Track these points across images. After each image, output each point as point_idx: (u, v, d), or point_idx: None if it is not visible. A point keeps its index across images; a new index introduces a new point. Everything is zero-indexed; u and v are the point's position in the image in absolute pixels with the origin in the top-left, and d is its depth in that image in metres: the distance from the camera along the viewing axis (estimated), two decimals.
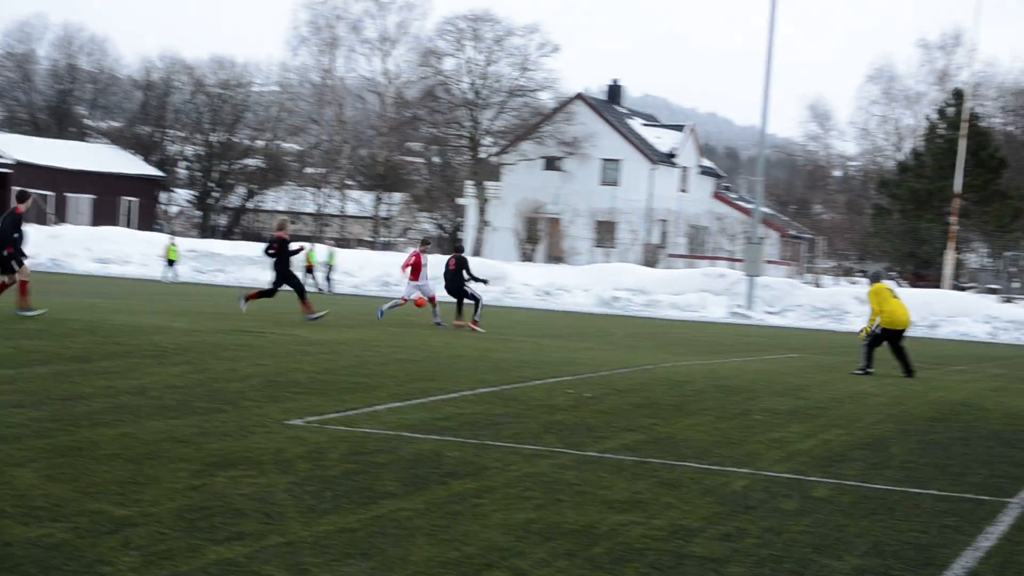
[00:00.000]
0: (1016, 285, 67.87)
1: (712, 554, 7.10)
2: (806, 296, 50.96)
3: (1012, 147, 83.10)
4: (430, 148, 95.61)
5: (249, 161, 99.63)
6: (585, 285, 52.19)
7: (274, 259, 26.12)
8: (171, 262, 53.04)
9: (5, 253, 20.42)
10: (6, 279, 20.95)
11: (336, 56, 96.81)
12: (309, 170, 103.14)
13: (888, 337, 21.01)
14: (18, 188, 22.35)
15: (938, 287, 60.66)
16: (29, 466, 8.35)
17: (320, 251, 53.48)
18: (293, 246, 26.83)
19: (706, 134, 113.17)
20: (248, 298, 26.64)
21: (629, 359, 21.72)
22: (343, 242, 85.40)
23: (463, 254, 28.14)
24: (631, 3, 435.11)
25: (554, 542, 7.16)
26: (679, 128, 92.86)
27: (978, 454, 12.04)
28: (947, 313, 47.24)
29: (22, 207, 21.38)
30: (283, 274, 26.16)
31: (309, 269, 49.69)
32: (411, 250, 33.16)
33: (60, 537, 6.54)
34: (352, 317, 30.46)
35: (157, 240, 64.57)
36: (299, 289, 26.53)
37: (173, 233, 72.94)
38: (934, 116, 79.98)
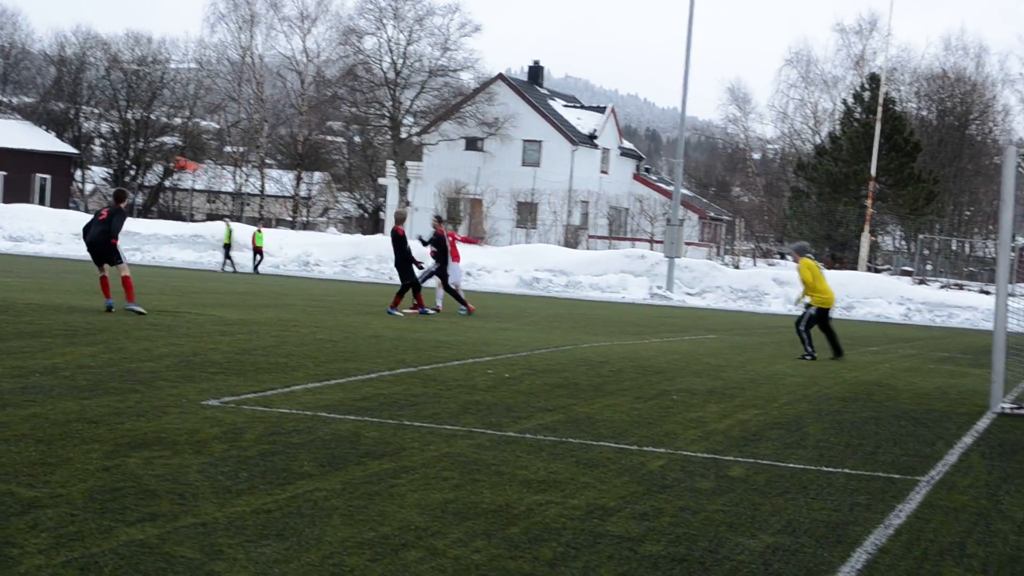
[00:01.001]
0: (929, 267, 68.88)
1: (628, 533, 7.14)
2: (725, 278, 51.37)
3: (926, 132, 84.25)
4: (351, 128, 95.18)
5: (167, 139, 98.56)
6: (506, 266, 52.21)
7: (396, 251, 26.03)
8: (228, 247, 50.26)
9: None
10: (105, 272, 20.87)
11: (255, 33, 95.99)
12: (228, 149, 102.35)
13: (819, 316, 21.04)
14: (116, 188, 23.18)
15: (854, 269, 61.46)
16: None
17: (237, 229, 53.14)
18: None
19: (627, 116, 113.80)
20: (397, 306, 26.07)
21: (549, 339, 21.77)
22: (263, 221, 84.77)
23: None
24: None
25: (471, 522, 7.17)
26: (600, 110, 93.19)
27: (889, 433, 12.20)
28: (862, 295, 47.82)
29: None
30: (403, 265, 26.10)
31: (227, 247, 49.38)
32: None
33: None
34: (270, 296, 30.30)
35: (71, 217, 63.72)
36: (414, 285, 26.30)
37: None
38: (851, 100, 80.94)
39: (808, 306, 21.02)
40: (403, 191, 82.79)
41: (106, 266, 20.68)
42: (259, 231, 51.51)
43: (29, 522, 6.46)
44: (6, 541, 6.09)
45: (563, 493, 8.15)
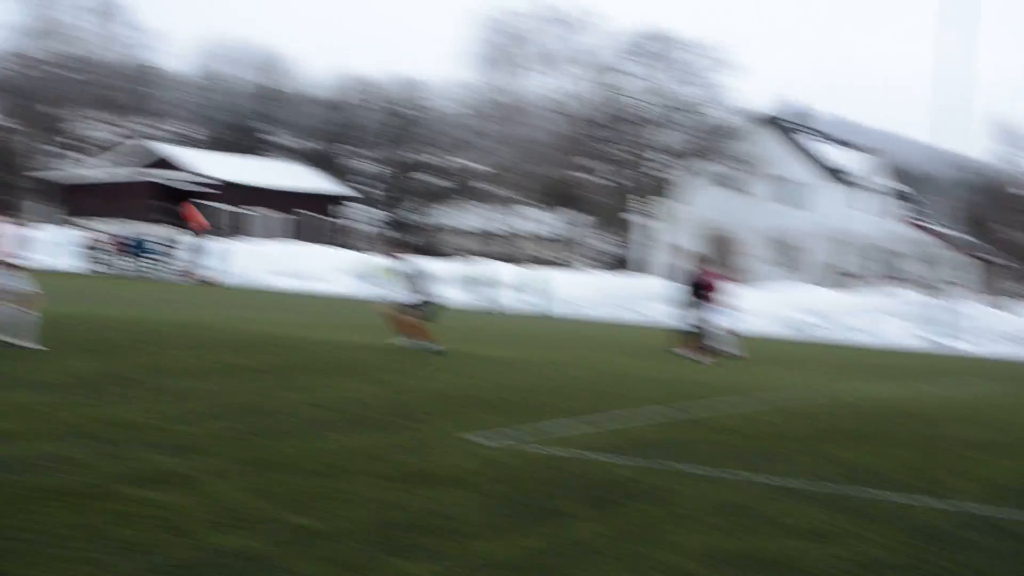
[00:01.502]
0: None
1: None
2: (1003, 324, 49.51)
3: None
4: (608, 168, 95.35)
5: (430, 178, 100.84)
6: (767, 307, 51.47)
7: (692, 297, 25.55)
8: (487, 286, 51.94)
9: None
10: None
11: (516, 75, 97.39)
12: (489, 188, 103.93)
13: None
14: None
15: None
16: (226, 478, 8.56)
17: (502, 268, 54.02)
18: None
19: (898, 157, 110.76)
20: (689, 350, 25.40)
21: (815, 384, 21.35)
22: (517, 259, 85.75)
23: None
24: (823, 27, 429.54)
25: (742, 571, 7.07)
26: (868, 151, 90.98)
27: None
28: None
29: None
30: (696, 311, 25.55)
31: (487, 286, 50.34)
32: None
33: (255, 548, 6.69)
34: (537, 334, 30.56)
35: (342, 256, 65.64)
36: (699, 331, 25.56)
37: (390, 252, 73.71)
38: None
39: None
40: (662, 231, 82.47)
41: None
42: (537, 271, 52.69)
43: (310, 553, 6.65)
44: (291, 570, 6.30)
45: (836, 543, 7.95)
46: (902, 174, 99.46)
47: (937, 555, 7.84)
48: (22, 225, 39.19)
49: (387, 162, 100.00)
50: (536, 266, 69.98)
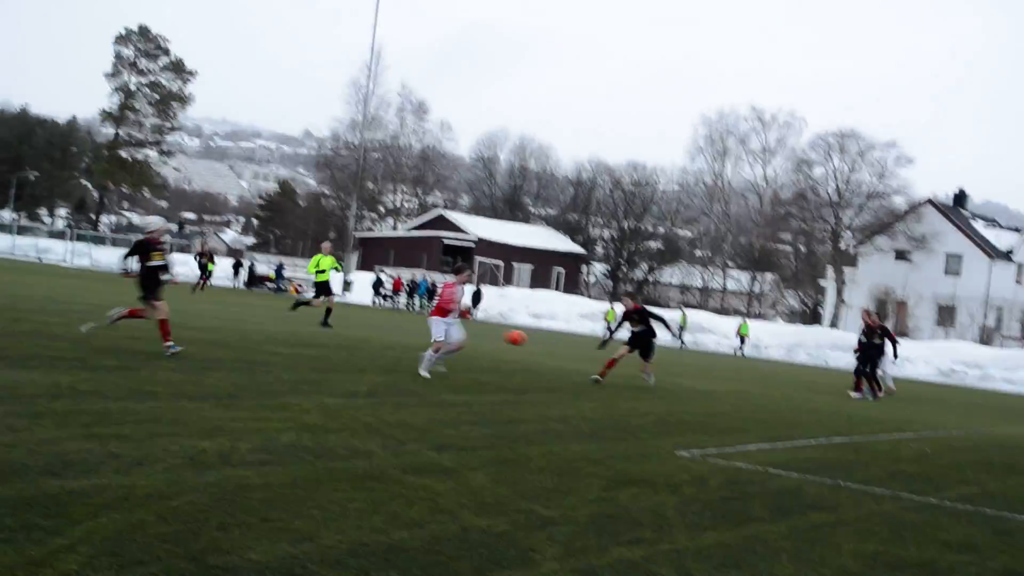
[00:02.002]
0: None
1: None
2: None
3: None
4: (798, 239, 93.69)
5: (652, 243, 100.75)
6: (926, 358, 49.54)
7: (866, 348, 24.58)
8: (742, 339, 51.05)
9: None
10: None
11: (726, 163, 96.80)
12: (698, 252, 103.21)
13: None
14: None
15: None
16: (480, 471, 8.66)
17: (691, 316, 53.55)
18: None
19: None
20: (860, 390, 24.47)
21: (965, 423, 20.42)
22: (723, 311, 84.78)
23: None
24: (980, 120, 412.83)
25: (899, 572, 6.78)
26: (1017, 230, 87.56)
27: None
28: None
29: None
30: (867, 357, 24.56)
31: (681, 329, 49.88)
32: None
33: (502, 528, 6.73)
34: (725, 371, 30.11)
35: (579, 302, 65.98)
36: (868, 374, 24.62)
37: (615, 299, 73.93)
38: None
39: None
40: (839, 292, 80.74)
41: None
42: (744, 322, 52.05)
43: (547, 535, 6.66)
44: (531, 547, 6.32)
45: (981, 556, 7.57)
46: None
47: None
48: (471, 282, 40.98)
49: (618, 229, 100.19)
50: (737, 317, 69.05)
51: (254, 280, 65.76)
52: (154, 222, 15.90)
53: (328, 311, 26.54)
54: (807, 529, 7.83)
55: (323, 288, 26.71)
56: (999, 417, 23.77)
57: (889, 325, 72.13)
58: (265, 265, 68.92)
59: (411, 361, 17.64)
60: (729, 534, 7.32)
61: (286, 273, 66.19)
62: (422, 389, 14.43)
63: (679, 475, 9.59)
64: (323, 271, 26.44)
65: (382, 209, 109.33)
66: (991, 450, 15.31)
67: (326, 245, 27.28)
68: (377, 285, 41.63)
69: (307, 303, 27.98)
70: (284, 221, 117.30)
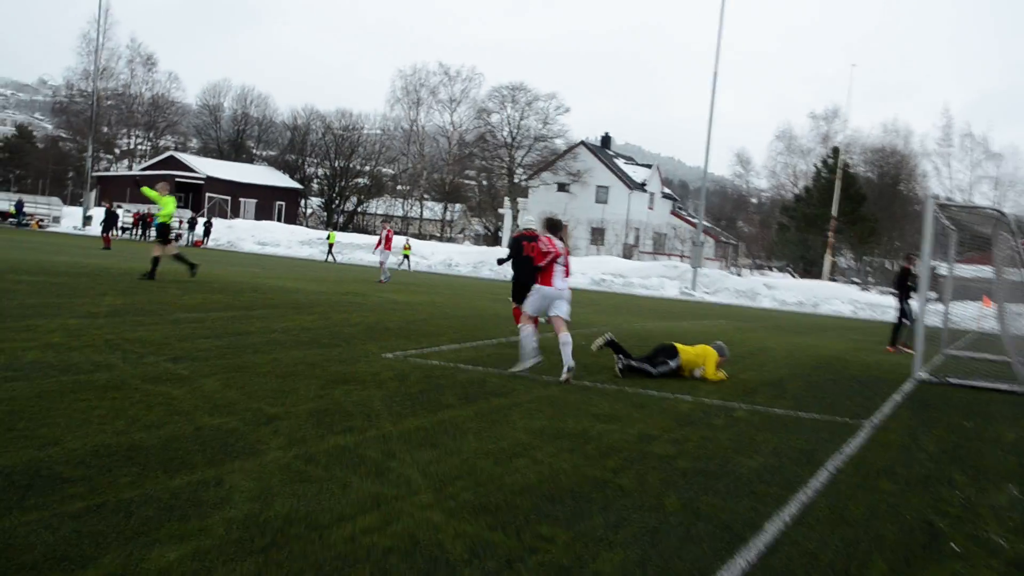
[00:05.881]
0: (871, 280, 67.33)
1: (666, 453, 7.08)
2: (731, 282, 50.62)
3: (870, 187, 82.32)
4: (480, 175, 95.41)
5: (359, 180, 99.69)
6: (583, 271, 51.98)
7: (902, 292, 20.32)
8: (406, 258, 50.86)
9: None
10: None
11: (420, 111, 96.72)
12: (399, 187, 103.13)
13: None
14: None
15: (819, 279, 60.30)
16: (212, 377, 8.39)
17: (400, 241, 53.66)
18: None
19: (667, 171, 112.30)
20: (896, 345, 20.33)
21: (612, 321, 21.64)
22: (421, 236, 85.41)
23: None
24: (623, 80, 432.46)
25: (560, 441, 7.15)
26: (648, 166, 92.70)
27: (843, 391, 11.94)
28: (824, 297, 46.91)
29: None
30: (906, 307, 20.27)
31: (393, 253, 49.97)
32: None
33: (233, 425, 6.57)
34: (424, 287, 30.47)
35: (297, 231, 64.54)
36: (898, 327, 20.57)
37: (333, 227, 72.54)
38: (819, 164, 79.41)
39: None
40: (515, 218, 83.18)
41: None
42: (407, 245, 52.12)
43: (272, 429, 6.57)
44: (258, 440, 6.21)
45: (622, 424, 8.10)
46: (672, 183, 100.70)
47: (688, 430, 8.03)
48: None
49: (330, 167, 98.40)
50: (429, 240, 69.61)
51: None
52: None
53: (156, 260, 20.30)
54: (489, 412, 8.10)
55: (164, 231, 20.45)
56: (637, 315, 25.36)
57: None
58: (6, 202, 63.04)
59: (147, 285, 16.70)
60: (426, 419, 7.47)
61: (27, 209, 61.05)
62: (159, 309, 13.75)
63: (384, 373, 9.67)
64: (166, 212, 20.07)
65: (117, 151, 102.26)
66: (632, 340, 16.30)
67: (162, 185, 20.27)
68: (113, 219, 38.47)
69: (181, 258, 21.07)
70: (23, 162, 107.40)
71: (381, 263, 30.71)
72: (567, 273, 10.65)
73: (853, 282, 64.75)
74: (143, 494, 4.83)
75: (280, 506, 4.85)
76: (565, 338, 10.30)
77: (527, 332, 10.64)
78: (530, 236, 12.98)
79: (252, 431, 6.45)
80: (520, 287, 13.10)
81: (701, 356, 11.77)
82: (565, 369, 10.14)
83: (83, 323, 11.33)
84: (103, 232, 38.96)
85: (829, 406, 10.45)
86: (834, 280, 64.60)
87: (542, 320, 11.27)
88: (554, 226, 10.83)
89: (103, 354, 9.11)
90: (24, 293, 14.25)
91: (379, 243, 30.53)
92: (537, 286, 10.55)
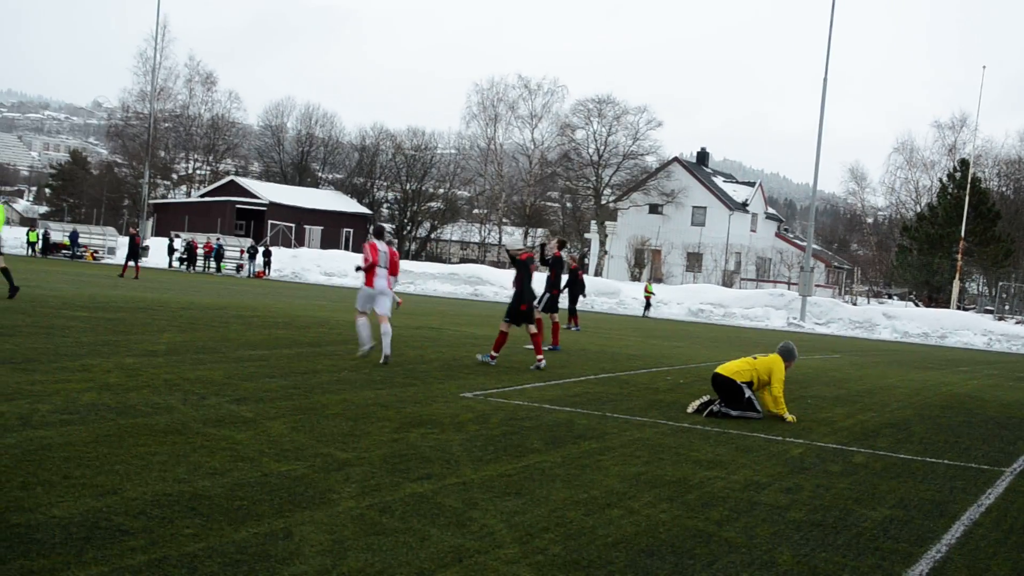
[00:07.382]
0: (1007, 308, 65.50)
1: (777, 502, 6.96)
2: (845, 312, 49.69)
3: (1005, 203, 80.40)
4: (564, 196, 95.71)
5: (433, 204, 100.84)
6: (678, 299, 51.62)
7: None
8: (648, 303, 46.68)
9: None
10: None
11: (497, 127, 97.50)
12: (476, 211, 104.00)
13: None
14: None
15: (947, 308, 58.92)
16: (279, 420, 8.52)
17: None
18: None
19: (771, 189, 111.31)
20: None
21: (711, 355, 21.41)
22: (498, 264, 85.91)
23: None
24: (722, 91, 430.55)
25: (658, 489, 7.07)
26: (751, 184, 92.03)
27: (980, 434, 11.61)
28: (953, 327, 45.73)
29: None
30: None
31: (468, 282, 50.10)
32: None
33: (301, 472, 6.65)
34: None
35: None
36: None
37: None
38: (945, 179, 77.76)
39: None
40: (602, 243, 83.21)
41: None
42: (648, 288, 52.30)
43: (343, 476, 6.63)
44: (329, 488, 6.27)
45: (726, 471, 7.98)
46: (777, 202, 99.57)
47: (800, 477, 7.87)
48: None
49: (401, 191, 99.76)
50: (509, 268, 69.91)
51: (49, 248, 62.30)
52: None
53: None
54: (578, 456, 8.07)
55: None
56: (739, 349, 25.04)
57: (647, 272, 75.00)
58: (60, 233, 65.27)
59: (208, 320, 17.10)
60: (510, 465, 7.46)
61: (81, 240, 63.08)
62: (220, 346, 14.05)
63: (463, 415, 9.70)
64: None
65: (175, 177, 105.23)
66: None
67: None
68: (136, 249, 38.46)
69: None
70: (77, 190, 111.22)
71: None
72: (395, 273, 13.93)
73: (986, 310, 63.11)
74: (207, 547, 4.91)
75: (354, 560, 4.89)
76: (386, 328, 13.77)
77: (360, 323, 14.11)
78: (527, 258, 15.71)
79: (322, 478, 6.52)
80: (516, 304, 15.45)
81: (764, 367, 11.39)
82: (383, 356, 13.45)
83: (141, 362, 11.63)
84: (126, 261, 39.72)
85: (963, 451, 10.16)
86: (964, 309, 63.05)
87: (367, 312, 14.18)
88: (379, 232, 14.33)
89: (162, 395, 9.33)
90: (79, 330, 14.69)
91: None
92: (362, 285, 14.01)
